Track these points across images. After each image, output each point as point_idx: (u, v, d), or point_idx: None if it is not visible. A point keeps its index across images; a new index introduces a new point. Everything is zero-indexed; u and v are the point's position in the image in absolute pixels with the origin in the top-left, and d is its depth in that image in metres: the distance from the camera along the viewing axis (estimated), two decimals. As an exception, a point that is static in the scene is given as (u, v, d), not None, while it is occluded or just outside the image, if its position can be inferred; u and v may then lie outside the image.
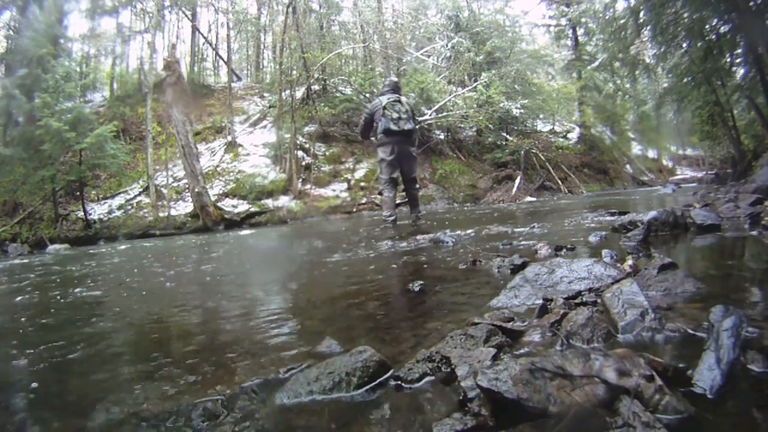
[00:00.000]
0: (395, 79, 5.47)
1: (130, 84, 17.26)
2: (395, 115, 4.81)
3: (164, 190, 11.70)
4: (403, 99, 5.04)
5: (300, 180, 12.68)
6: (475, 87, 14.41)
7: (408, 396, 0.80)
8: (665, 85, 13.63)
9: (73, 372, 1.20)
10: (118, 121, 12.57)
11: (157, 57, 15.86)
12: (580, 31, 18.49)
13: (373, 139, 5.19)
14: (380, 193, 5.28)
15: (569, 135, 19.22)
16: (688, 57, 9.59)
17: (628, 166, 19.52)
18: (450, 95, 14.34)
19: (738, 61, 9.26)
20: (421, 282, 1.68)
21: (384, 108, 4.84)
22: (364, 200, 11.97)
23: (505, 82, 15.02)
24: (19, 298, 2.47)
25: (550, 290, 1.32)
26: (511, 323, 1.05)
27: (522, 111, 15.38)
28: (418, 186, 5.37)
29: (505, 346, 0.92)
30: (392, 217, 4.88)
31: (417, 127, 5.23)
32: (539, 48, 19.57)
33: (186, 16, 19.94)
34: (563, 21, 18.46)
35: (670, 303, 1.12)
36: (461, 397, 0.73)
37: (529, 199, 11.58)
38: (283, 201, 11.94)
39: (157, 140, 13.55)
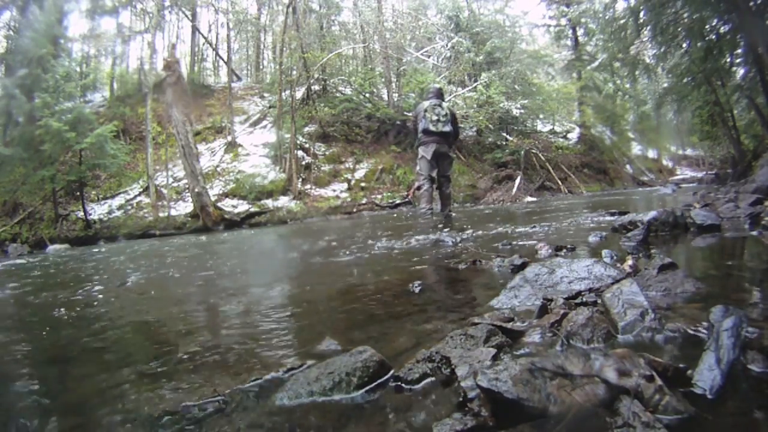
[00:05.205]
0: (438, 86, 6.04)
1: (130, 84, 17.26)
2: (434, 118, 5.34)
3: (164, 190, 11.70)
4: (444, 104, 5.54)
5: (300, 180, 12.68)
6: (475, 87, 14.42)
7: (408, 396, 0.80)
8: (665, 85, 13.62)
9: (73, 371, 1.20)
10: (118, 121, 12.58)
11: (157, 57, 15.86)
12: (580, 31, 18.48)
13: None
14: (418, 188, 5.69)
15: (569, 135, 19.21)
16: (688, 57, 9.58)
17: (628, 166, 19.50)
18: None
19: (738, 61, 9.25)
20: (421, 282, 1.68)
21: (425, 111, 5.39)
22: (364, 201, 11.97)
23: (505, 82, 15.01)
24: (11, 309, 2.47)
25: (550, 290, 1.32)
26: (511, 323, 1.05)
27: (522, 111, 15.37)
28: (450, 184, 5.87)
29: (505, 346, 0.92)
30: (430, 210, 5.34)
31: (457, 130, 5.80)
32: (539, 48, 19.57)
33: (186, 16, 19.94)
34: (563, 21, 18.45)
35: (670, 303, 1.12)
36: (461, 398, 0.73)
37: (529, 199, 11.57)
38: (283, 201, 11.94)
39: (157, 140, 13.55)
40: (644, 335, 0.93)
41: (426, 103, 5.46)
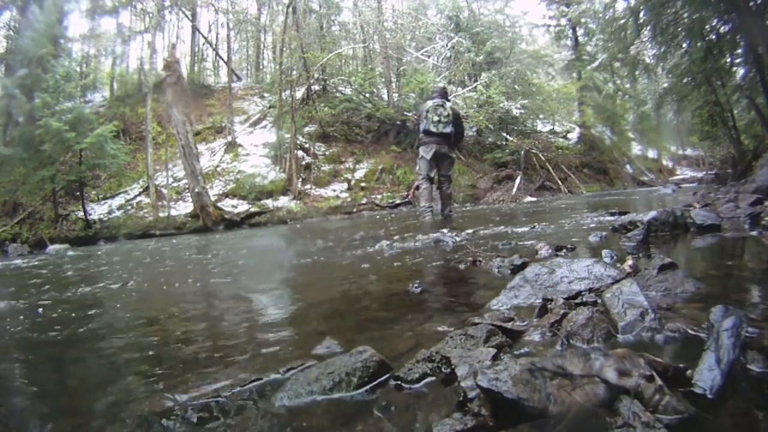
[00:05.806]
0: (442, 85, 6.06)
1: (130, 84, 17.21)
2: (436, 119, 5.36)
3: (164, 190, 11.70)
4: (448, 104, 5.52)
5: (300, 180, 12.67)
6: (475, 87, 14.41)
7: (408, 396, 0.80)
8: (665, 85, 13.61)
9: (73, 370, 1.20)
10: (118, 121, 12.55)
11: (157, 57, 15.83)
12: (580, 31, 18.47)
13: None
14: (417, 188, 5.72)
15: (569, 135, 19.20)
16: (688, 57, 9.58)
17: (628, 166, 19.49)
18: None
19: (738, 61, 9.25)
20: (421, 282, 1.68)
21: (427, 111, 5.41)
22: (364, 201, 11.96)
23: (505, 82, 15.00)
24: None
25: (550, 290, 1.32)
26: (511, 323, 1.05)
27: (522, 111, 15.36)
28: (451, 184, 5.87)
29: (505, 346, 0.92)
30: (430, 209, 5.37)
31: (460, 130, 5.80)
32: (539, 48, 19.55)
33: (186, 16, 19.92)
34: (563, 21, 18.44)
35: (670, 303, 1.12)
36: (461, 398, 0.73)
37: (529, 199, 11.56)
38: (283, 201, 11.94)
39: (157, 140, 13.53)
40: (644, 335, 0.93)
41: (429, 103, 5.46)
